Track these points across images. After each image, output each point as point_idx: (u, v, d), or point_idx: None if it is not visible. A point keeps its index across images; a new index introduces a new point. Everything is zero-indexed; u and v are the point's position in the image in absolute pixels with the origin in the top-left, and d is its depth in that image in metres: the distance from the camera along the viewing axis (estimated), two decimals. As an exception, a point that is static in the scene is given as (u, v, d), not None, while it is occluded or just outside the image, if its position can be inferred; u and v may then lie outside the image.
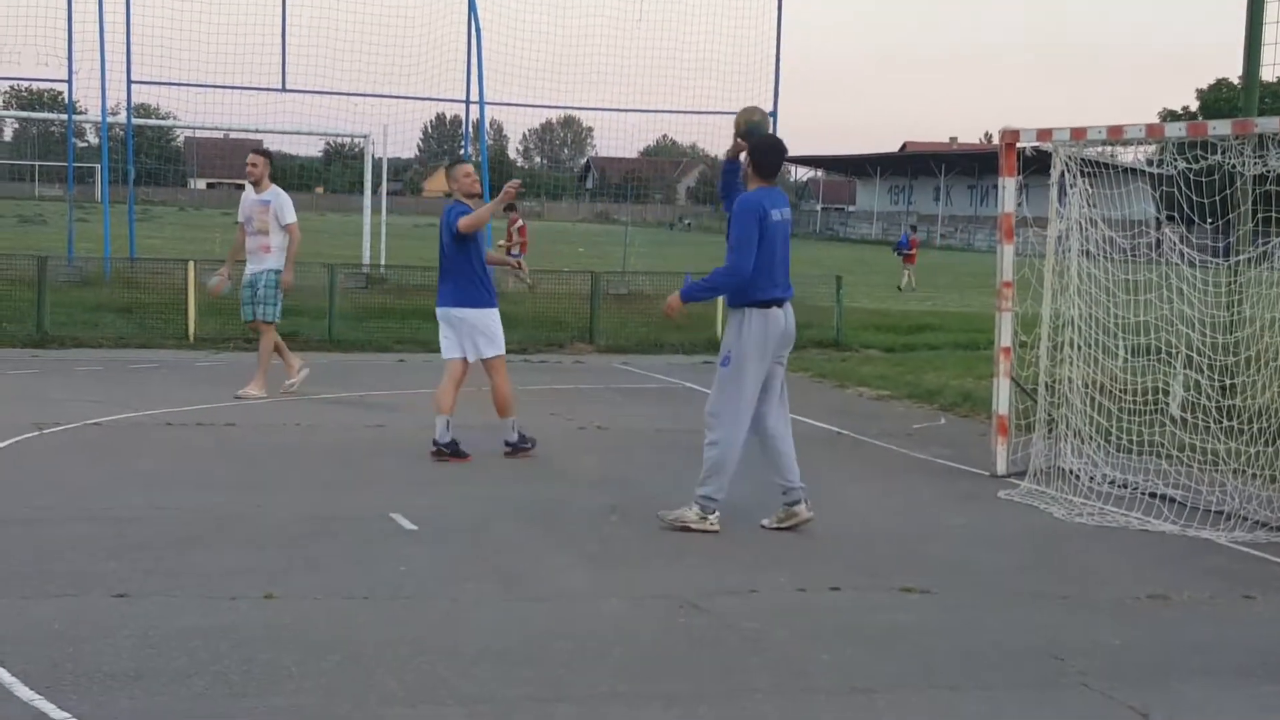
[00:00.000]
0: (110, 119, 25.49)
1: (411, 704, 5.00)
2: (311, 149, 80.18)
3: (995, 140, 10.51)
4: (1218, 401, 8.79)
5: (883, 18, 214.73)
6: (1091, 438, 9.46)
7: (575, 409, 12.48)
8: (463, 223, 9.85)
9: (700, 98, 25.58)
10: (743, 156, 8.15)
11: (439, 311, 10.19)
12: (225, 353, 13.11)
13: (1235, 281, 9.36)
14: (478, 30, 24.09)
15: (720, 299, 17.92)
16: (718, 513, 7.98)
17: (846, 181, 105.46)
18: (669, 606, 6.38)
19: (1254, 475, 8.62)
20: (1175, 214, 9.34)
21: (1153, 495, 8.87)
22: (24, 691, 4.89)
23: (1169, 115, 63.05)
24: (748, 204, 7.90)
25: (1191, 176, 8.98)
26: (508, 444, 10.10)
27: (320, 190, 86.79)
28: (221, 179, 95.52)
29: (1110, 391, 9.45)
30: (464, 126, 26.93)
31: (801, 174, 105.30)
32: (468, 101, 24.72)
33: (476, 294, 10.00)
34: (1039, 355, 9.91)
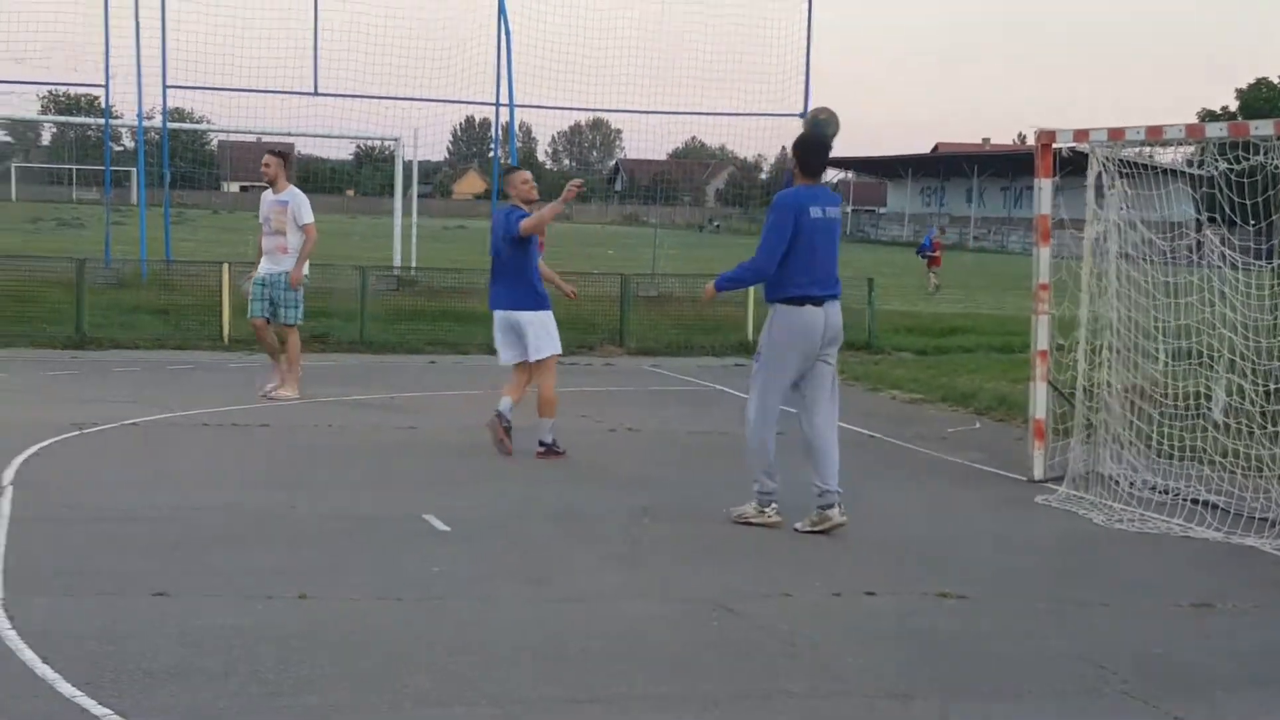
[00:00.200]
0: (146, 123, 25.64)
1: (444, 704, 5.00)
2: (342, 152, 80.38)
3: (1029, 141, 10.42)
4: (1262, 406, 8.68)
5: (914, 17, 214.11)
6: (1131, 443, 9.36)
7: (606, 411, 12.47)
8: (524, 224, 9.94)
9: (730, 99, 25.50)
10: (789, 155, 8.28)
11: (495, 313, 10.28)
12: (259, 354, 13.19)
13: (1279, 284, 9.26)
14: (508, 33, 24.10)
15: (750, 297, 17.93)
16: (775, 505, 8.06)
17: (877, 183, 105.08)
18: (702, 609, 6.35)
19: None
20: (1216, 215, 9.25)
21: (1195, 501, 8.74)
22: (65, 688, 4.92)
23: (1208, 115, 62.56)
24: (782, 200, 7.97)
25: (1233, 177, 8.89)
26: (542, 444, 10.11)
27: (351, 193, 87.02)
28: (254, 182, 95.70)
29: (1150, 396, 9.36)
30: (493, 129, 26.98)
31: (832, 175, 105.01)
32: (497, 104, 24.73)
33: (531, 296, 10.10)
34: (1076, 359, 9.82)
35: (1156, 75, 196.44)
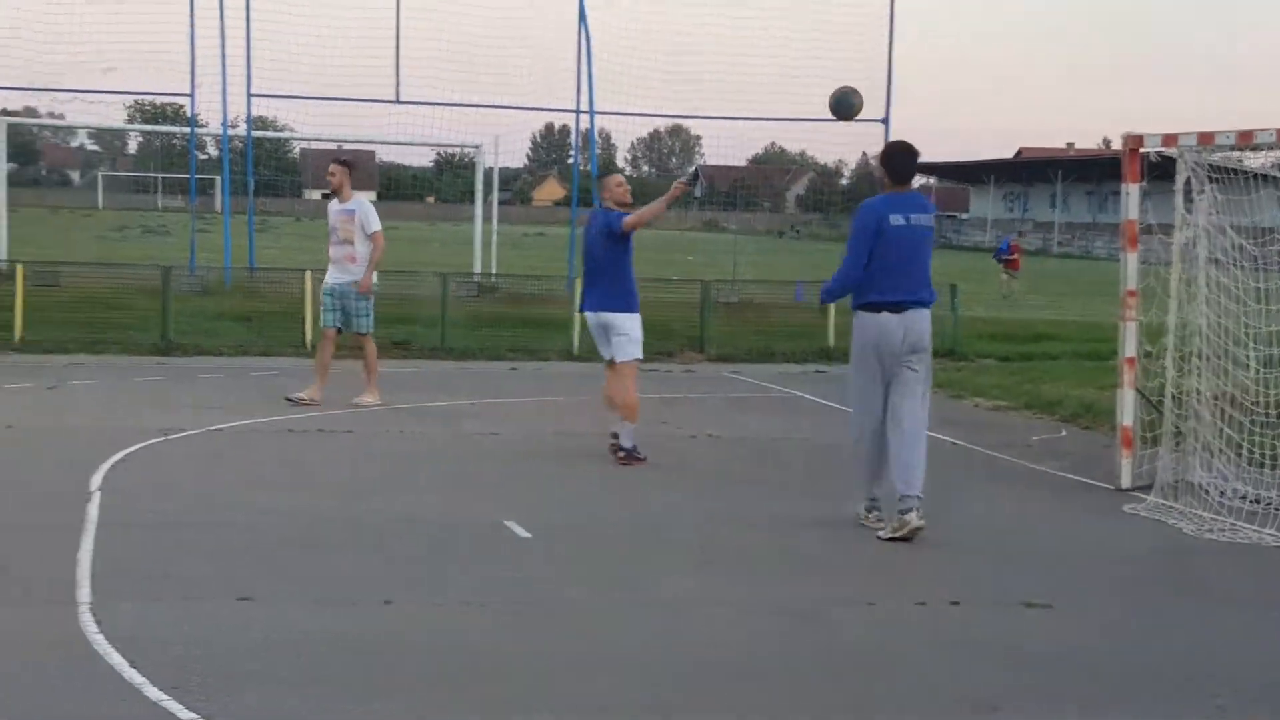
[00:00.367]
0: (230, 131, 26.02)
1: (529, 711, 5.00)
2: (423, 159, 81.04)
3: (1114, 146, 10.26)
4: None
5: (996, 22, 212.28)
6: (1221, 451, 9.18)
7: (686, 418, 12.44)
8: (628, 221, 10.06)
9: (810, 105, 25.34)
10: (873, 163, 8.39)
11: (587, 315, 10.40)
12: (341, 360, 13.35)
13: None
14: (588, 39, 24.19)
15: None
16: (876, 511, 8.13)
17: (960, 189, 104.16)
18: (785, 617, 6.31)
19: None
20: (1310, 221, 9.06)
21: (1287, 511, 8.56)
22: (153, 692, 4.97)
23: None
24: (862, 211, 8.16)
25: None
26: (622, 449, 10.10)
27: (431, 199, 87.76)
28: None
29: (1241, 403, 9.18)
30: (573, 136, 27.07)
31: (914, 181, 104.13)
32: (578, 111, 24.84)
33: (624, 299, 10.18)
34: (1165, 366, 9.65)
35: (1245, 79, 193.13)
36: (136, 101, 42.47)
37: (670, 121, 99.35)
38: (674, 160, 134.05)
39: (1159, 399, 9.77)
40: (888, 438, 8.09)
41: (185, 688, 5.01)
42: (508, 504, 8.50)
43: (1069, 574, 7.37)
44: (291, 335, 17.25)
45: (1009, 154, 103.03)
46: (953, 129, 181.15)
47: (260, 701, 4.96)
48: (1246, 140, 8.91)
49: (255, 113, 24.85)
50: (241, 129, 27.27)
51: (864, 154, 58.70)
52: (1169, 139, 9.40)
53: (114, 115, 37.99)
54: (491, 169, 28.67)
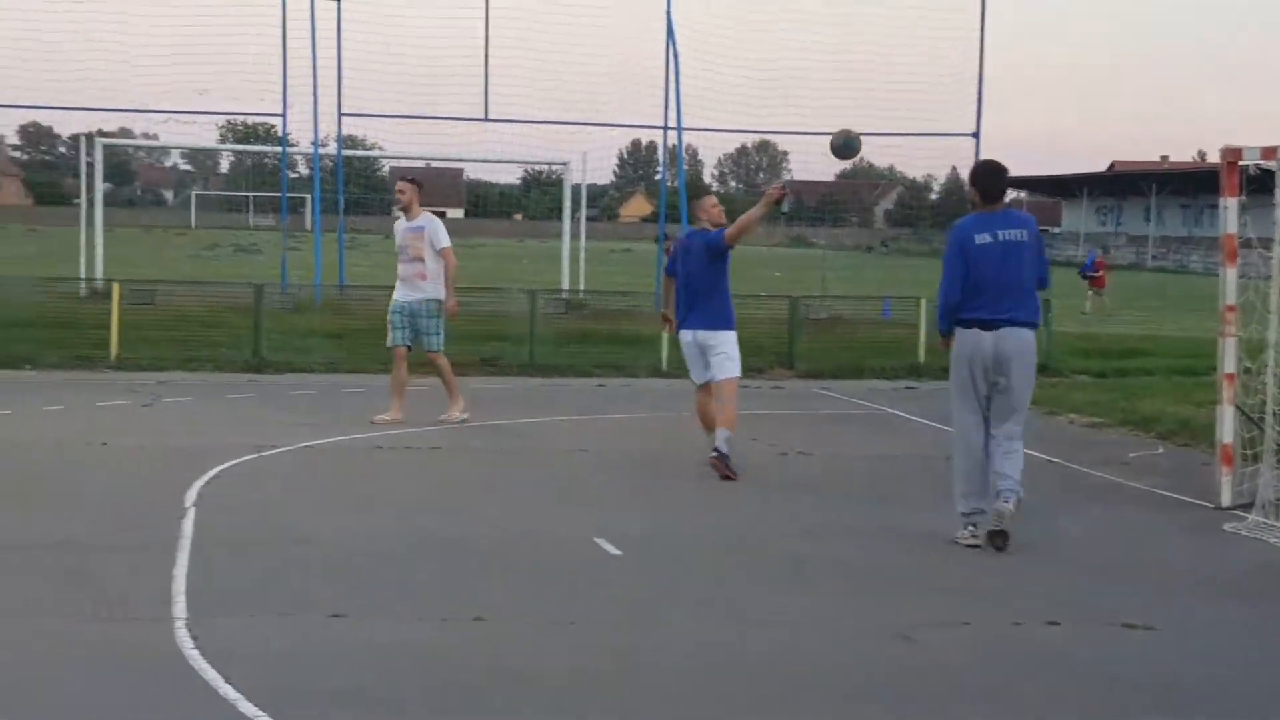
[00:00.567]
0: (320, 150, 26.34)
1: (623, 732, 4.97)
2: (510, 176, 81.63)
3: (1210, 158, 10.08)
4: None
5: (1087, 32, 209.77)
6: (1326, 469, 8.95)
7: (777, 435, 12.36)
8: (729, 232, 10.23)
9: (899, 120, 25.18)
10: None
11: (684, 335, 10.46)
12: (430, 378, 13.43)
13: None
14: (676, 55, 24.19)
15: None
16: (970, 528, 8.06)
17: (1052, 203, 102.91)
18: (878, 637, 6.22)
19: None
20: None
21: (1393, 530, 8.33)
22: (248, 708, 5.00)
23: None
24: (951, 232, 8.38)
25: None
26: (716, 450, 10.03)
27: (519, 216, 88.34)
28: (423, 207, 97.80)
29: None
30: (660, 152, 27.11)
31: (1005, 197, 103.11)
32: (665, 127, 24.85)
33: (724, 317, 10.33)
34: (1265, 382, 9.44)
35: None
36: (229, 121, 43.14)
37: (757, 137, 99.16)
38: (761, 176, 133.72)
39: (1259, 415, 9.55)
40: (987, 455, 8.07)
41: (279, 705, 5.02)
42: (596, 521, 8.48)
43: (1169, 594, 7.21)
44: (381, 353, 17.27)
45: (1101, 167, 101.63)
46: (1044, 142, 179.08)
47: (353, 718, 4.97)
48: (1351, 151, 8.70)
49: (345, 131, 25.18)
50: (332, 148, 27.65)
51: (954, 168, 58.15)
52: (1268, 151, 9.20)
53: (207, 135, 38.83)
54: (579, 185, 28.76)
